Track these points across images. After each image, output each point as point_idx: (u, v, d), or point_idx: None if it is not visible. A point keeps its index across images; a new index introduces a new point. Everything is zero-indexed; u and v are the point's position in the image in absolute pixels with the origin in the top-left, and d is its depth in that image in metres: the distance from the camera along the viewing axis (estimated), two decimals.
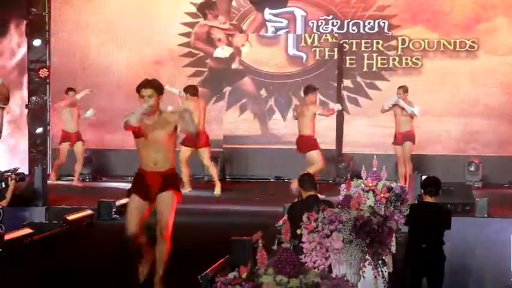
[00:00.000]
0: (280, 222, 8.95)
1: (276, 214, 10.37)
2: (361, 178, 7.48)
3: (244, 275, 3.75)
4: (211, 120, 16.30)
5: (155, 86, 7.06)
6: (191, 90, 13.79)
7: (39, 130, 16.73)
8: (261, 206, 12.49)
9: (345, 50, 16.35)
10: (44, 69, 16.71)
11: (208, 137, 13.76)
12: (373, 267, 5.36)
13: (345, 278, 3.86)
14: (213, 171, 13.98)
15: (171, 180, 7.08)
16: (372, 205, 6.48)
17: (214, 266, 7.26)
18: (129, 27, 16.67)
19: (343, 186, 6.89)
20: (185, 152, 13.65)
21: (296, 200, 8.75)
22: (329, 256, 5.21)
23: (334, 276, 3.89)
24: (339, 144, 16.16)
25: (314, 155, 12.91)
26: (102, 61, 16.83)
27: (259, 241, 4.06)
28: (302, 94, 13.62)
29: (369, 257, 5.29)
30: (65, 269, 8.38)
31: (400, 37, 16.25)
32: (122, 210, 11.14)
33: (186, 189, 13.34)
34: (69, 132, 14.54)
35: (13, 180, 11.36)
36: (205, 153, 13.76)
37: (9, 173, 11.61)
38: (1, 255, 8.57)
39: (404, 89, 13.79)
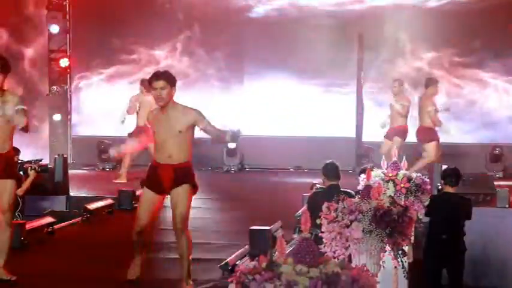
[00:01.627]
0: (300, 211, 8.94)
1: (295, 204, 10.36)
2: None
3: (263, 265, 3.75)
4: (231, 109, 16.34)
5: (168, 78, 6.99)
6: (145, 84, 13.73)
7: (59, 119, 16.80)
8: (281, 195, 12.49)
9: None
10: (64, 58, 16.77)
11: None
12: (393, 257, 5.34)
13: (365, 268, 3.85)
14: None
15: (185, 173, 7.02)
16: (392, 195, 6.45)
17: (234, 255, 7.27)
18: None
19: (362, 176, 6.87)
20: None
21: (312, 189, 8.75)
22: (349, 246, 5.20)
23: (354, 266, 3.88)
24: (358, 134, 16.10)
25: (431, 146, 13.04)
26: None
27: (279, 230, 4.06)
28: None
29: (388, 247, 5.27)
30: (85, 257, 8.43)
31: None
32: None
33: (123, 180, 13.50)
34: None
35: (33, 171, 11.40)
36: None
37: (31, 163, 11.67)
38: (23, 243, 8.63)
39: (400, 82, 13.65)
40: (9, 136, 7.20)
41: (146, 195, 7.08)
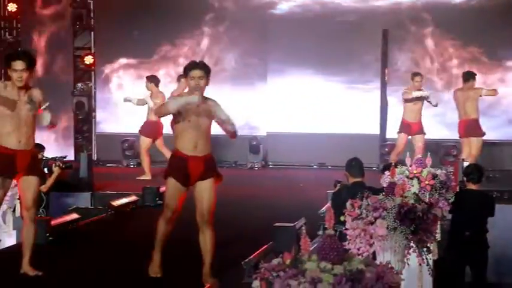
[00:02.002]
0: (324, 208, 8.93)
1: (319, 200, 10.34)
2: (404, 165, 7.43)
3: (288, 262, 3.75)
4: (254, 106, 16.35)
5: (206, 68, 6.98)
6: (155, 80, 13.86)
7: (84, 116, 16.88)
8: (304, 192, 12.48)
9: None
10: (89, 55, 16.85)
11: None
12: (418, 255, 5.34)
13: (390, 265, 3.84)
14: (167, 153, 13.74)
15: (211, 165, 7.03)
16: (417, 192, 6.43)
17: (257, 252, 7.27)
18: None
19: (387, 173, 6.85)
20: (145, 140, 13.73)
21: (335, 187, 8.72)
22: (373, 243, 5.19)
23: (378, 263, 3.88)
24: (382, 130, 16.05)
25: (480, 141, 13.03)
26: None
27: (303, 227, 4.06)
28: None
29: (413, 244, 5.26)
30: (109, 253, 8.47)
31: None
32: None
33: (147, 177, 13.50)
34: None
35: (57, 167, 11.49)
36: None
37: (55, 160, 11.76)
38: (48, 240, 8.68)
39: (422, 77, 13.58)
40: (34, 133, 7.23)
41: (173, 185, 7.01)
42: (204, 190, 6.96)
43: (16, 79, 7.05)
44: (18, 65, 7.04)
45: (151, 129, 13.67)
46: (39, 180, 7.31)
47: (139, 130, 13.87)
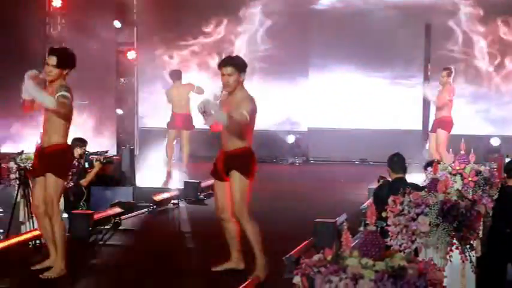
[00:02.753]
0: (365, 204, 8.89)
1: (360, 196, 10.31)
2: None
3: (329, 257, 3.73)
4: (295, 101, 16.32)
5: (236, 64, 6.95)
6: (175, 75, 14.30)
7: (126, 111, 16.99)
8: (346, 188, 12.43)
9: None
10: (132, 50, 16.96)
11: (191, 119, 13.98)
12: (461, 252, 5.28)
13: (432, 262, 3.80)
14: (187, 152, 14.18)
15: (235, 160, 6.93)
16: (460, 188, 6.36)
17: (298, 247, 7.26)
18: None
19: (429, 169, 6.79)
20: (172, 133, 14.12)
21: (379, 182, 8.69)
22: (415, 239, 5.15)
23: (420, 259, 3.84)
24: (425, 126, 15.91)
25: None
26: None
27: (344, 223, 4.04)
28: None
29: (456, 241, 5.21)
30: (151, 247, 8.52)
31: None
32: (207, 191, 11.27)
33: (170, 168, 13.95)
34: None
35: (98, 162, 11.58)
36: (188, 134, 14.10)
37: (97, 155, 11.86)
38: (90, 234, 8.76)
39: (448, 72, 13.00)
40: (56, 130, 7.09)
41: (215, 185, 7.16)
42: (230, 185, 6.96)
43: (46, 73, 7.09)
44: (51, 60, 7.08)
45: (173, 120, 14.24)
46: (53, 177, 7.08)
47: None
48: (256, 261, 6.95)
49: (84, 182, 11.30)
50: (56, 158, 7.07)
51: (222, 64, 6.97)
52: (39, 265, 7.28)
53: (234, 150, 6.93)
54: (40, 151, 7.22)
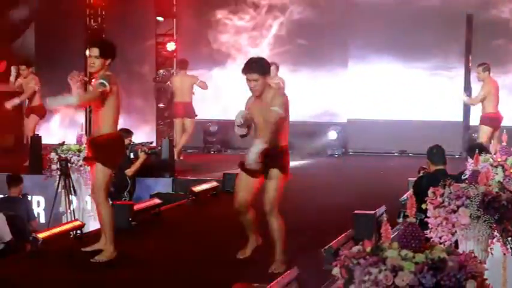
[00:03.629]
0: (405, 196, 8.84)
1: (400, 188, 10.25)
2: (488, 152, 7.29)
3: (368, 249, 3.73)
4: (334, 92, 16.26)
5: (260, 70, 6.88)
6: (181, 65, 14.58)
7: (166, 102, 17.07)
8: (385, 179, 12.37)
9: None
10: (172, 42, 17.04)
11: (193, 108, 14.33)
12: (502, 244, 5.23)
13: (473, 255, 3.78)
14: (184, 140, 14.34)
15: (275, 159, 6.92)
16: (501, 180, 6.30)
17: (337, 239, 7.25)
18: None
19: (470, 161, 6.73)
20: (179, 123, 14.33)
21: (420, 173, 8.63)
22: (455, 232, 5.12)
23: (461, 252, 3.82)
24: (466, 118, 15.77)
25: None
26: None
27: (383, 215, 4.02)
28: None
29: (497, 234, 5.16)
30: (191, 238, 8.57)
31: None
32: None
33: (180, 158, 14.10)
34: None
35: (143, 153, 11.68)
36: (191, 123, 14.32)
37: (142, 146, 11.96)
38: (131, 224, 8.83)
39: (484, 68, 12.53)
40: (105, 120, 7.20)
41: (240, 176, 7.15)
42: (267, 182, 6.96)
43: (89, 65, 7.22)
44: (93, 51, 7.19)
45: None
46: (102, 166, 7.26)
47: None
48: (276, 257, 6.99)
49: (129, 172, 11.42)
50: (104, 147, 7.22)
51: (246, 71, 6.91)
52: (89, 247, 7.48)
53: (275, 148, 6.89)
54: (90, 141, 7.40)
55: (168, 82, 14.46)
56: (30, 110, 13.55)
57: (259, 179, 7.04)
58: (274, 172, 6.93)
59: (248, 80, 6.93)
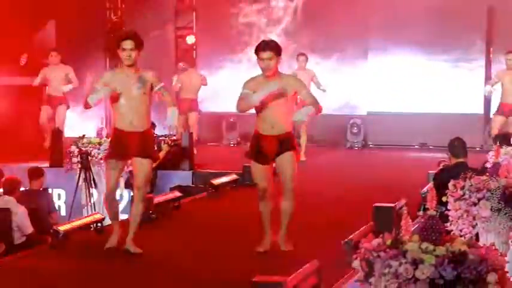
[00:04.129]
0: (425, 189, 8.80)
1: (420, 181, 10.21)
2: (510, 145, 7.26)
3: (388, 242, 3.72)
4: (354, 85, 16.23)
5: (274, 48, 7.02)
6: (190, 62, 15.08)
7: None
8: (405, 172, 12.33)
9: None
10: (191, 35, 17.06)
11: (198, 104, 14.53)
12: None
13: (493, 247, 3.76)
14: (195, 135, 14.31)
15: (288, 143, 7.16)
16: None
17: (357, 232, 7.24)
18: None
19: (491, 153, 6.70)
20: (182, 119, 14.22)
21: (439, 166, 8.60)
22: (476, 224, 5.10)
23: (481, 245, 3.80)
24: (486, 110, 15.68)
25: None
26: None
27: (404, 208, 4.02)
28: None
29: None
30: (210, 231, 8.58)
31: None
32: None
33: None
34: None
35: (166, 145, 11.72)
36: (196, 118, 14.41)
37: (165, 138, 11.99)
38: (151, 217, 8.85)
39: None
40: (147, 114, 7.41)
41: (255, 166, 7.24)
42: (284, 162, 7.13)
43: (125, 58, 7.24)
44: (128, 44, 7.22)
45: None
46: (151, 161, 7.45)
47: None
48: (281, 232, 7.22)
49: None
50: (150, 141, 7.51)
51: (260, 49, 7.05)
52: (109, 244, 7.48)
53: (286, 134, 7.14)
54: (133, 135, 7.33)
55: (175, 78, 14.34)
56: (58, 101, 13.52)
57: (271, 166, 7.14)
58: (290, 155, 7.11)
59: (261, 59, 7.02)
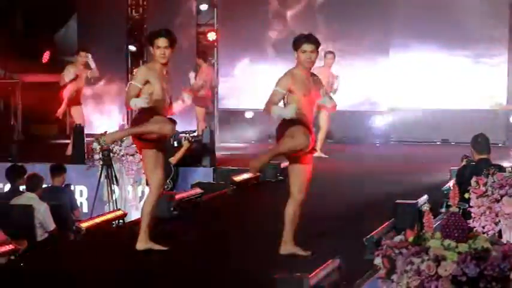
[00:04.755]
0: (447, 185, 8.76)
1: (442, 177, 10.17)
2: None
3: (410, 239, 3.71)
4: (375, 81, 16.18)
5: (317, 42, 6.94)
6: (204, 56, 15.02)
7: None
8: (427, 169, 12.28)
9: None
10: (212, 32, 17.06)
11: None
12: None
13: None
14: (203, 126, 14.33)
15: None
16: None
17: (379, 229, 7.21)
18: None
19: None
20: (200, 110, 14.53)
21: (462, 161, 8.55)
22: (499, 221, 5.08)
23: (504, 242, 3.78)
24: (510, 104, 15.57)
25: None
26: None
27: (426, 205, 4.00)
28: None
29: None
30: (232, 228, 8.59)
31: None
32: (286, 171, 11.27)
33: None
34: None
35: (186, 141, 11.75)
36: (202, 112, 14.57)
37: (185, 134, 12.02)
38: (172, 214, 8.87)
39: None
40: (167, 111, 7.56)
41: (294, 166, 7.13)
42: (308, 165, 7.04)
43: (159, 56, 7.24)
44: (162, 42, 7.21)
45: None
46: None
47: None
48: (289, 237, 7.05)
49: (173, 159, 11.51)
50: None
51: (305, 41, 6.89)
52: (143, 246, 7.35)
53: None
54: None
55: (192, 75, 14.39)
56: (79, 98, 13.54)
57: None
58: (310, 156, 7.00)
59: (304, 51, 6.85)
